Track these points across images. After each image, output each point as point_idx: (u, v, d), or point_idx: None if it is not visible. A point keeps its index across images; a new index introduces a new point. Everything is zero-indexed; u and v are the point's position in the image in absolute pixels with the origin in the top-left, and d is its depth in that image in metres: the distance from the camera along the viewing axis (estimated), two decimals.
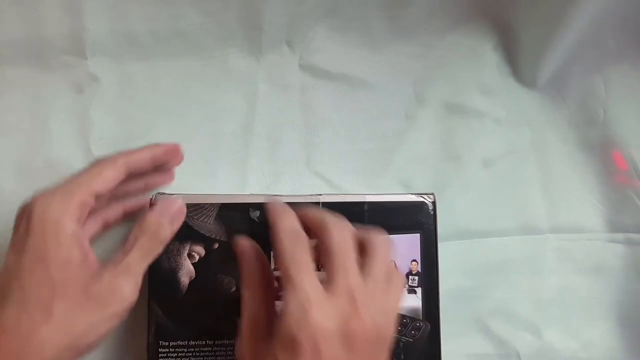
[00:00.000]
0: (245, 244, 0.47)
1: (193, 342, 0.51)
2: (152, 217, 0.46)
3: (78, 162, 0.59)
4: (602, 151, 0.67)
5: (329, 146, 0.64)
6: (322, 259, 0.43)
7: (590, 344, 0.66)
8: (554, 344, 0.65)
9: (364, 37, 0.65)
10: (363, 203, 0.54)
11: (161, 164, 0.51)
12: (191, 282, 0.51)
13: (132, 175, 0.49)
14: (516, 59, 0.67)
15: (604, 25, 0.63)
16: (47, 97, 0.60)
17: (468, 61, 0.67)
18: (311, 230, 0.45)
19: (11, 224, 0.57)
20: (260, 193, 0.56)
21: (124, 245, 0.45)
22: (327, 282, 0.41)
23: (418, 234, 0.54)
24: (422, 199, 0.55)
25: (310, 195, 0.53)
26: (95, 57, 0.60)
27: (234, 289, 0.52)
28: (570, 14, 0.61)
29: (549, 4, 0.61)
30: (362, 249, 0.44)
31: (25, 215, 0.43)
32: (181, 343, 0.51)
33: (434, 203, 0.55)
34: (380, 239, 0.45)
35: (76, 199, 0.43)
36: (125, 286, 0.43)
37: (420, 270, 0.54)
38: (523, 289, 0.65)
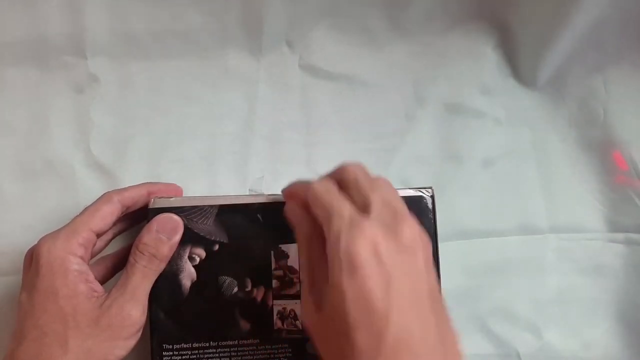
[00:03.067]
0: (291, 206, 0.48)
1: (197, 344, 0.51)
2: (149, 238, 0.49)
3: (78, 162, 0.59)
4: (602, 151, 0.67)
5: (329, 146, 0.64)
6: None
7: (590, 344, 0.66)
8: (554, 344, 0.65)
9: (364, 37, 0.65)
10: None
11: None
12: (193, 285, 0.51)
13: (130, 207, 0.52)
14: (516, 59, 0.67)
15: (604, 25, 0.63)
16: (47, 97, 0.60)
17: (468, 61, 0.67)
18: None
19: (11, 224, 0.58)
20: (260, 193, 0.56)
21: (125, 267, 0.48)
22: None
23: None
24: (420, 194, 0.55)
25: None
26: (95, 57, 0.60)
27: (235, 289, 0.52)
28: (570, 14, 0.61)
29: (549, 4, 0.61)
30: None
31: (33, 257, 0.46)
32: (185, 345, 0.51)
33: (432, 197, 0.55)
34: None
35: (78, 238, 0.46)
36: (134, 312, 0.46)
37: None
38: (523, 289, 0.65)
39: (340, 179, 0.45)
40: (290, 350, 0.52)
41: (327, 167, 0.61)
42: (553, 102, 0.67)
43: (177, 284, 0.51)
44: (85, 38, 0.59)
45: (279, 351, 0.52)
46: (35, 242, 0.47)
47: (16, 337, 0.44)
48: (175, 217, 0.50)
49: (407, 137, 0.65)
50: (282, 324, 0.52)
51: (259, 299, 0.52)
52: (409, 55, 0.66)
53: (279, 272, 0.52)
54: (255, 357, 0.52)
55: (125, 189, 0.51)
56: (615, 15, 0.63)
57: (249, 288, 0.52)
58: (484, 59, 0.67)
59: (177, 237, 0.50)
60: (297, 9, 0.62)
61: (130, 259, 0.48)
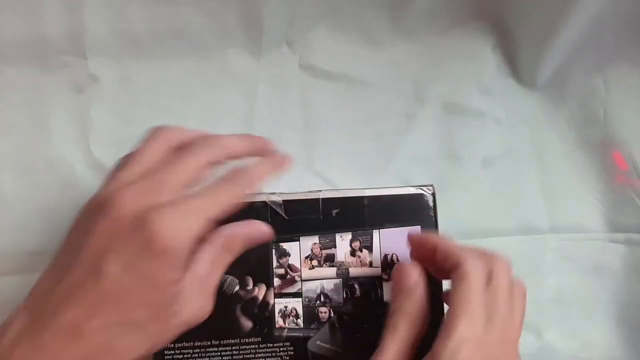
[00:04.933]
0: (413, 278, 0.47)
1: (198, 343, 0.51)
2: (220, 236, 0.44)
3: (78, 162, 0.59)
4: (602, 151, 0.67)
5: (329, 146, 0.64)
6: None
7: (590, 344, 0.66)
8: (554, 344, 0.65)
9: (364, 37, 0.65)
10: (362, 197, 0.54)
11: None
12: None
13: None
14: (516, 59, 0.67)
15: (604, 25, 0.63)
16: (47, 97, 0.60)
17: (468, 61, 0.67)
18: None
19: (11, 224, 0.58)
20: (259, 192, 0.56)
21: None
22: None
23: (419, 227, 0.54)
24: (421, 191, 0.55)
25: (310, 192, 0.53)
26: (95, 57, 0.60)
27: (236, 288, 0.52)
28: (570, 14, 0.61)
29: (549, 4, 0.61)
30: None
31: (143, 230, 0.38)
32: (186, 344, 0.51)
33: (433, 195, 0.55)
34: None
35: (198, 228, 0.39)
36: (207, 307, 0.42)
37: None
38: None
39: (490, 270, 0.46)
40: (292, 348, 0.52)
41: (327, 166, 0.61)
42: (553, 102, 0.68)
43: None
44: (85, 38, 0.59)
45: (281, 350, 0.51)
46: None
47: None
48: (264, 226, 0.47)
49: (407, 137, 0.65)
50: (284, 323, 0.52)
51: (260, 297, 0.52)
52: (409, 55, 0.66)
53: (281, 270, 0.52)
54: (256, 355, 0.51)
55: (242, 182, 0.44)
56: (615, 15, 0.63)
57: (250, 286, 0.52)
58: (483, 59, 0.67)
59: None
60: (297, 9, 0.62)
61: (206, 253, 0.42)
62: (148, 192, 0.39)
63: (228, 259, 0.44)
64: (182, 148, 0.44)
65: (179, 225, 0.38)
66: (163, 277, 0.38)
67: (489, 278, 0.45)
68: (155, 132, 0.45)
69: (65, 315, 0.36)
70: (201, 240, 0.42)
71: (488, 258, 0.46)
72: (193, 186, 0.42)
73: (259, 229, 0.47)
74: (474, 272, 0.44)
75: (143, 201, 0.39)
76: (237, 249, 0.45)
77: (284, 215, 0.52)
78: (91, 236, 0.38)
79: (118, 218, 0.38)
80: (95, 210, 0.39)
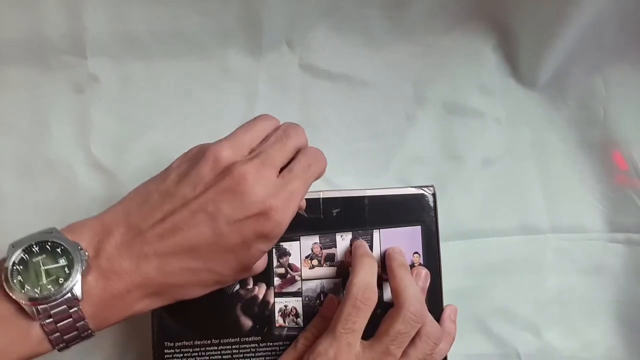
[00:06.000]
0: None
1: (198, 342, 0.51)
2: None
3: (78, 162, 0.59)
4: (602, 151, 0.67)
5: (329, 146, 0.64)
6: None
7: (590, 344, 0.66)
8: (554, 344, 0.65)
9: (364, 37, 0.65)
10: (363, 198, 0.54)
11: None
12: None
13: None
14: (516, 59, 0.67)
15: (604, 25, 0.63)
16: (47, 97, 0.60)
17: (468, 61, 0.67)
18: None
19: (11, 224, 0.58)
20: None
21: None
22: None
23: (419, 227, 0.54)
24: (422, 192, 0.55)
25: (311, 192, 0.53)
26: (95, 57, 0.60)
27: (237, 287, 0.52)
28: (570, 14, 0.61)
29: (549, 4, 0.61)
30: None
31: (259, 210, 0.42)
32: (186, 343, 0.51)
33: (434, 195, 0.55)
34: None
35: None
36: (260, 267, 0.48)
37: (422, 263, 0.54)
38: (523, 289, 0.65)
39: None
40: None
41: (327, 166, 0.61)
42: (553, 102, 0.68)
43: None
44: (85, 38, 0.59)
45: (281, 349, 0.52)
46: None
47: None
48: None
49: (407, 137, 0.65)
50: (284, 322, 0.52)
51: (260, 296, 0.52)
52: (409, 55, 0.66)
53: (281, 270, 0.53)
54: (256, 354, 0.52)
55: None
56: (615, 15, 0.63)
57: (251, 286, 0.52)
58: (484, 59, 0.67)
59: None
60: (297, 9, 0.62)
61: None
62: (261, 168, 0.43)
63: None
64: (278, 132, 0.47)
65: (289, 209, 0.43)
66: (261, 252, 0.44)
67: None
68: (257, 120, 0.48)
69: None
70: None
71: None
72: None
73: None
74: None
75: (260, 179, 0.42)
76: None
77: None
78: (206, 186, 0.42)
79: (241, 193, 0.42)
80: (214, 170, 0.43)
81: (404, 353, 0.48)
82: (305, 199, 0.52)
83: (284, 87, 0.64)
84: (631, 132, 0.66)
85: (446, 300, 0.56)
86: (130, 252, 0.41)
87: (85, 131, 0.60)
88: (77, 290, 0.39)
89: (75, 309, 0.39)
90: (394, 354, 0.46)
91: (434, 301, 0.54)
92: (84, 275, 0.39)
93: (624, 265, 0.67)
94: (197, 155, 0.44)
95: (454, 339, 0.54)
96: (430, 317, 0.50)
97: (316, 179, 0.47)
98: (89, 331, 0.40)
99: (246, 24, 0.62)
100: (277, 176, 0.44)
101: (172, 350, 0.51)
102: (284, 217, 0.43)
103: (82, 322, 0.40)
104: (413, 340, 0.48)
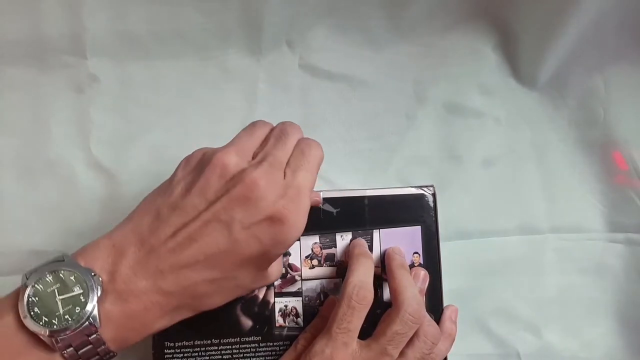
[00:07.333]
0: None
1: (198, 342, 0.51)
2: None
3: (78, 162, 0.59)
4: (602, 151, 0.67)
5: (329, 146, 0.63)
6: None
7: (590, 344, 0.66)
8: (554, 344, 0.65)
9: (364, 37, 0.65)
10: (363, 198, 0.54)
11: None
12: None
13: None
14: (516, 59, 0.67)
15: (604, 25, 0.63)
16: (47, 97, 0.60)
17: (468, 61, 0.67)
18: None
19: (11, 224, 0.58)
20: None
21: None
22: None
23: (419, 227, 0.54)
24: (422, 192, 0.55)
25: None
26: (95, 57, 0.60)
27: None
28: (570, 14, 0.61)
29: (549, 4, 0.61)
30: None
31: (275, 214, 0.42)
32: (186, 343, 0.51)
33: (434, 195, 0.55)
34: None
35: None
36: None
37: (422, 263, 0.54)
38: (523, 289, 0.65)
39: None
40: None
41: (327, 166, 0.61)
42: (553, 102, 0.68)
43: None
44: (85, 38, 0.59)
45: (281, 349, 0.52)
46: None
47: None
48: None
49: (407, 137, 0.65)
50: (284, 322, 0.52)
51: (260, 296, 0.52)
52: (409, 55, 0.66)
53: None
54: (256, 354, 0.52)
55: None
56: (615, 15, 0.63)
57: None
58: (484, 59, 0.67)
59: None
60: (297, 8, 0.62)
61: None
62: (270, 171, 0.43)
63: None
64: (275, 132, 0.47)
65: (301, 206, 0.43)
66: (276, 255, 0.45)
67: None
68: (256, 124, 0.48)
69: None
70: None
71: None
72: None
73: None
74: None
75: (271, 182, 0.42)
76: None
77: None
78: (214, 192, 0.42)
79: (253, 199, 0.42)
80: (223, 177, 0.43)
81: (402, 353, 0.48)
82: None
83: (284, 87, 0.64)
84: (631, 132, 0.66)
85: (446, 300, 0.55)
86: (146, 271, 0.41)
87: (85, 131, 0.60)
88: (95, 317, 0.39)
89: (95, 335, 0.39)
90: (391, 354, 0.46)
91: (434, 301, 0.54)
92: (101, 301, 0.39)
93: (624, 265, 0.67)
94: (202, 163, 0.44)
95: (454, 339, 0.54)
96: (428, 317, 0.50)
97: (319, 164, 0.47)
98: (111, 353, 0.41)
99: (246, 24, 0.62)
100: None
101: (172, 351, 0.51)
102: (298, 217, 0.43)
103: (103, 347, 0.40)
104: (411, 340, 0.48)
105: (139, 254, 0.41)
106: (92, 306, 0.39)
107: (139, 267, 0.40)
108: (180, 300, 0.42)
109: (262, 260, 0.43)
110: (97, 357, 0.40)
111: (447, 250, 0.57)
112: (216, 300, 0.44)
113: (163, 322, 0.42)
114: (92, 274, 0.40)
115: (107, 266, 0.41)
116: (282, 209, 0.42)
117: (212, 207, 0.41)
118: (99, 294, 0.39)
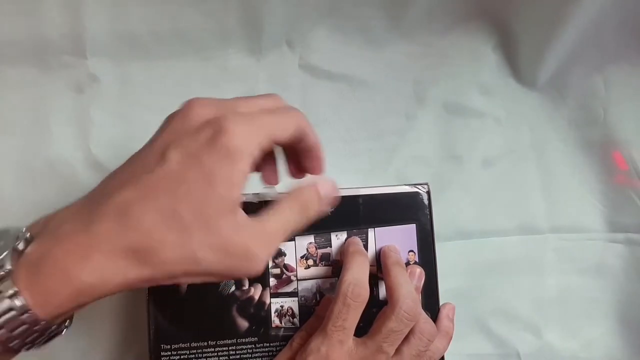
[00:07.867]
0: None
1: (195, 344, 0.51)
2: (306, 190, 0.44)
3: (78, 162, 0.60)
4: (602, 151, 0.67)
5: (329, 146, 0.63)
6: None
7: (590, 344, 0.66)
8: (554, 344, 0.65)
9: (364, 37, 0.65)
10: (357, 197, 0.54)
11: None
12: (190, 284, 0.51)
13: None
14: (516, 59, 0.67)
15: (604, 25, 0.63)
16: (47, 97, 0.60)
17: (468, 61, 0.67)
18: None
19: (11, 224, 0.58)
20: (258, 192, 0.56)
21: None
22: None
23: (414, 225, 0.54)
24: (416, 190, 0.55)
25: None
26: (95, 57, 0.60)
27: (232, 288, 0.52)
28: (570, 14, 0.61)
29: (549, 4, 0.61)
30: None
31: (213, 127, 0.38)
32: (183, 345, 0.51)
33: (428, 193, 0.55)
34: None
35: (267, 142, 0.39)
36: (260, 264, 0.39)
37: (417, 261, 0.54)
38: (523, 289, 0.65)
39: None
40: None
41: (327, 166, 0.61)
42: (553, 102, 0.68)
43: (175, 284, 0.51)
44: (85, 38, 0.60)
45: (277, 349, 0.52)
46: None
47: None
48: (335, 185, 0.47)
49: (407, 137, 0.66)
50: (280, 322, 0.52)
51: (256, 297, 0.52)
52: (409, 55, 0.66)
53: (276, 270, 0.53)
54: (253, 355, 0.52)
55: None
56: (615, 15, 0.63)
57: (246, 287, 0.52)
58: (484, 59, 0.67)
59: (328, 206, 0.46)
60: (297, 9, 0.62)
61: (284, 202, 0.42)
62: (224, 105, 0.40)
63: (302, 223, 0.43)
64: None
65: (249, 130, 0.38)
66: (222, 175, 0.36)
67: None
68: None
69: (118, 196, 0.37)
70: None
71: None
72: None
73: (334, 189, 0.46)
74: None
75: (218, 110, 0.39)
76: (313, 214, 0.44)
77: None
78: (162, 132, 0.40)
79: (191, 117, 0.40)
80: (171, 115, 0.42)
81: (398, 350, 0.48)
82: None
83: (284, 87, 0.64)
84: (631, 132, 0.66)
85: (446, 300, 0.56)
86: (82, 214, 0.37)
87: (85, 131, 0.60)
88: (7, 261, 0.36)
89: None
90: (387, 352, 0.47)
91: (430, 299, 0.54)
92: (16, 250, 0.36)
93: (624, 265, 0.67)
94: None
95: (451, 337, 0.54)
96: (424, 315, 0.50)
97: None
98: (42, 322, 0.35)
99: (246, 24, 0.62)
100: None
101: (169, 353, 0.51)
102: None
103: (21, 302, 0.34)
104: (407, 337, 0.48)
105: (75, 206, 0.39)
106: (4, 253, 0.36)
107: (69, 214, 0.38)
108: (133, 242, 0.36)
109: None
110: (25, 326, 0.35)
111: (447, 250, 0.57)
112: (175, 251, 0.37)
113: (91, 272, 0.35)
114: (20, 232, 0.38)
115: (42, 221, 0.39)
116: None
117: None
118: (16, 244, 0.37)
